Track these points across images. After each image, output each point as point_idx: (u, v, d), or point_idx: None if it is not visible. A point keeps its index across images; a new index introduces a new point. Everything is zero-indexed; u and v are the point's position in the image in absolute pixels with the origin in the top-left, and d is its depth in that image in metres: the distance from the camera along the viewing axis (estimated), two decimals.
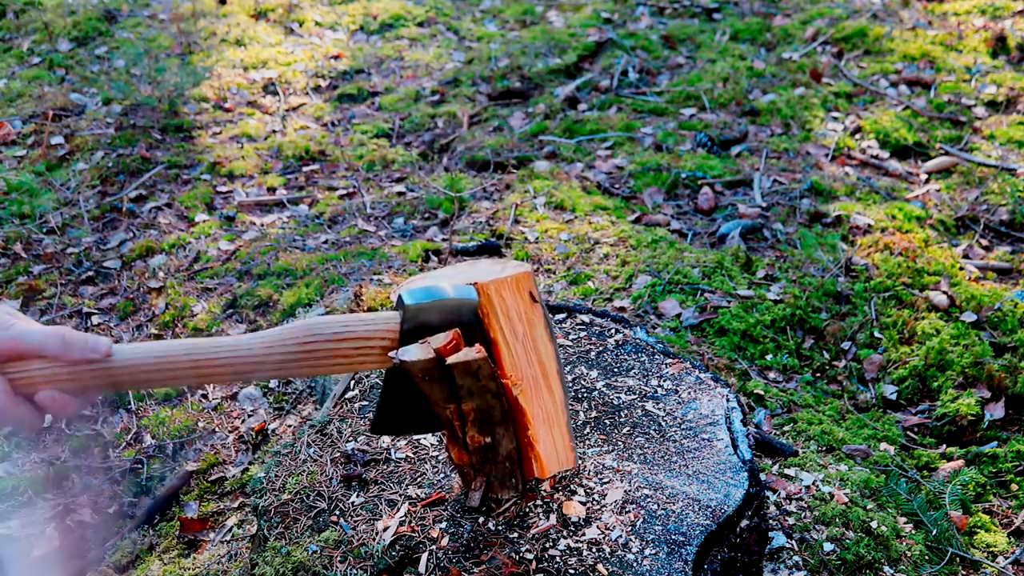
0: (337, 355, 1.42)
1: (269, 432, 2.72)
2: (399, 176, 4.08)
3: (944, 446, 2.65)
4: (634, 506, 1.67)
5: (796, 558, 2.08)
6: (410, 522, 1.67)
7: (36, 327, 1.29)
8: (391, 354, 1.47)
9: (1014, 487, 2.47)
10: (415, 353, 1.48)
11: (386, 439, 1.88)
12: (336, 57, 5.17)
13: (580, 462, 1.76)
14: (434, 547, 1.62)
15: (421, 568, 1.59)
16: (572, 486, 1.73)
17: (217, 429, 2.76)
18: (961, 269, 3.30)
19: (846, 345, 3.01)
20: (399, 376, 1.49)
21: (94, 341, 1.29)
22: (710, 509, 1.66)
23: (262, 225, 3.72)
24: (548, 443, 1.67)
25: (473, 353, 1.49)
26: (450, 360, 1.48)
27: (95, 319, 3.23)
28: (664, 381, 2.00)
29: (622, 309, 3.05)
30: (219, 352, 1.36)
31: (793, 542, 2.11)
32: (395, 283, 3.11)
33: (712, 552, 1.64)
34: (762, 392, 2.73)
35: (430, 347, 1.49)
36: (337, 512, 1.72)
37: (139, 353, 1.32)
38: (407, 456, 1.84)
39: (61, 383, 1.27)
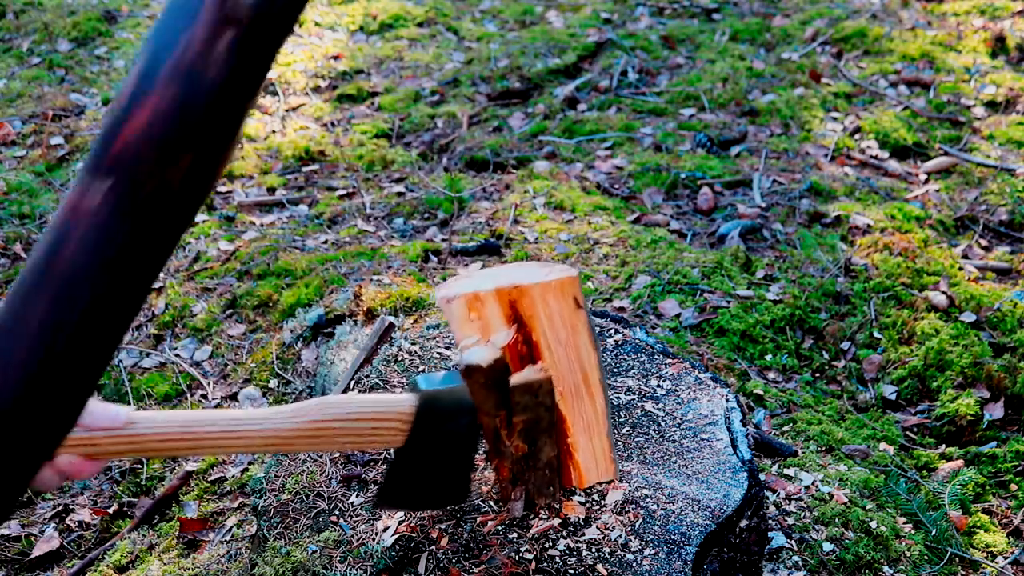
0: (351, 433, 1.44)
1: None
2: (399, 176, 4.08)
3: (943, 446, 2.65)
4: (633, 506, 1.67)
5: (795, 558, 2.08)
6: (410, 522, 1.68)
7: None
8: (457, 356, 1.48)
9: (1013, 487, 2.47)
10: (481, 354, 1.47)
11: None
12: (336, 57, 5.17)
13: (620, 474, 1.75)
14: (434, 547, 1.62)
15: (421, 568, 1.59)
16: (572, 487, 1.73)
17: None
18: (960, 269, 3.30)
19: (845, 345, 3.02)
20: (410, 452, 1.50)
21: (114, 411, 1.32)
22: (709, 509, 1.66)
23: (262, 225, 3.72)
24: (588, 452, 1.66)
25: (537, 373, 1.49)
26: (513, 381, 1.48)
27: None
28: (663, 381, 2.00)
29: (621, 309, 3.05)
30: (234, 425, 1.40)
31: (792, 542, 2.12)
32: (394, 283, 3.11)
33: (711, 552, 1.64)
34: (761, 392, 2.73)
35: (496, 346, 1.48)
36: (337, 512, 1.73)
37: (155, 423, 1.36)
38: None
39: (78, 449, 1.30)
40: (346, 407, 1.44)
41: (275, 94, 4.79)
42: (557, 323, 1.55)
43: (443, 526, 1.66)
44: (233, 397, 2.88)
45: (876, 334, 3.03)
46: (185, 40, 0.99)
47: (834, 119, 4.43)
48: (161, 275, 3.41)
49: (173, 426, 1.36)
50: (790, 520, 2.18)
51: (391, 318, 2.47)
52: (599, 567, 1.56)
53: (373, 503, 1.67)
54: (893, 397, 2.84)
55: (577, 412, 1.63)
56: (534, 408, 1.52)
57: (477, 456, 1.80)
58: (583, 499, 1.69)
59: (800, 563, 2.07)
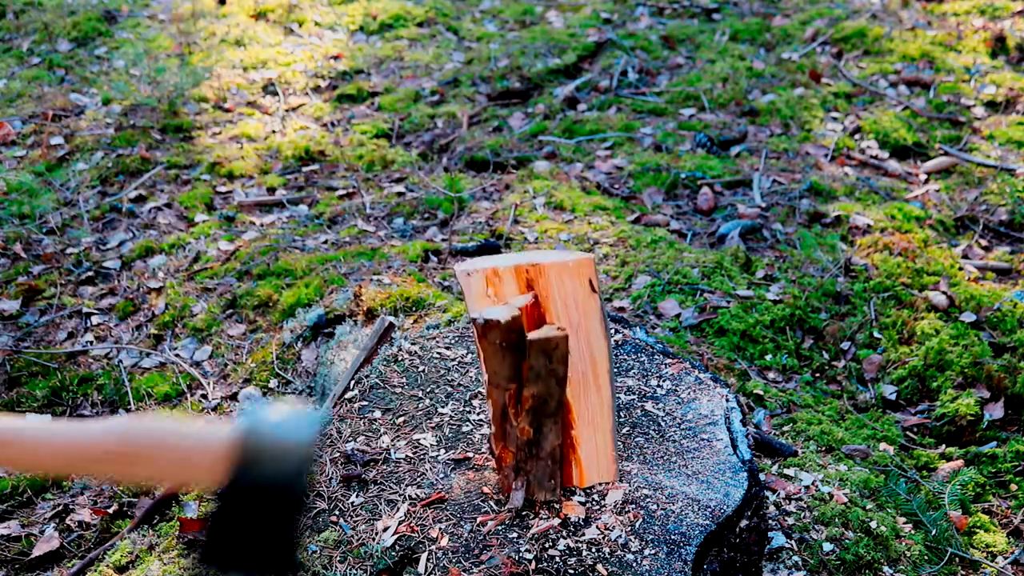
0: (161, 461, 1.28)
1: None
2: (399, 176, 4.08)
3: (943, 446, 2.65)
4: (634, 506, 1.67)
5: (795, 558, 2.08)
6: (410, 522, 1.68)
7: None
8: (474, 314, 1.45)
9: (1013, 487, 2.47)
10: (500, 312, 1.46)
11: (386, 439, 1.89)
12: (336, 57, 5.17)
13: (621, 476, 1.74)
14: (434, 547, 1.62)
15: (421, 568, 1.59)
16: (572, 486, 1.73)
17: None
18: (960, 269, 3.30)
19: (845, 345, 3.02)
20: (229, 499, 1.31)
21: None
22: (709, 509, 1.66)
23: (262, 225, 3.72)
24: (590, 448, 1.66)
25: (555, 331, 1.48)
26: (532, 336, 1.47)
27: (95, 319, 3.23)
28: (664, 381, 2.00)
29: (622, 309, 3.05)
30: (18, 435, 1.23)
31: (792, 542, 2.12)
32: (394, 283, 3.11)
33: (712, 552, 1.64)
34: (761, 392, 2.73)
35: (513, 306, 1.48)
36: (337, 512, 1.73)
37: None
38: (407, 456, 1.84)
39: None
40: (157, 432, 1.28)
41: (275, 94, 4.79)
42: (571, 305, 1.55)
43: (443, 526, 1.66)
44: (233, 397, 2.88)
45: (876, 334, 3.03)
46: None
47: (834, 119, 4.43)
48: (161, 275, 3.41)
49: None
50: (790, 520, 2.18)
51: (391, 318, 2.47)
52: (599, 567, 1.56)
53: (199, 559, 1.38)
54: (893, 397, 2.84)
55: (583, 403, 1.62)
56: (546, 378, 1.51)
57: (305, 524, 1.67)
58: (583, 499, 1.69)
59: (800, 563, 2.07)
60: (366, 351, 2.33)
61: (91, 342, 3.13)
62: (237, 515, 1.30)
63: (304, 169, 4.14)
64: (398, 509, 1.70)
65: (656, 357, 2.08)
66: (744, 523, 1.71)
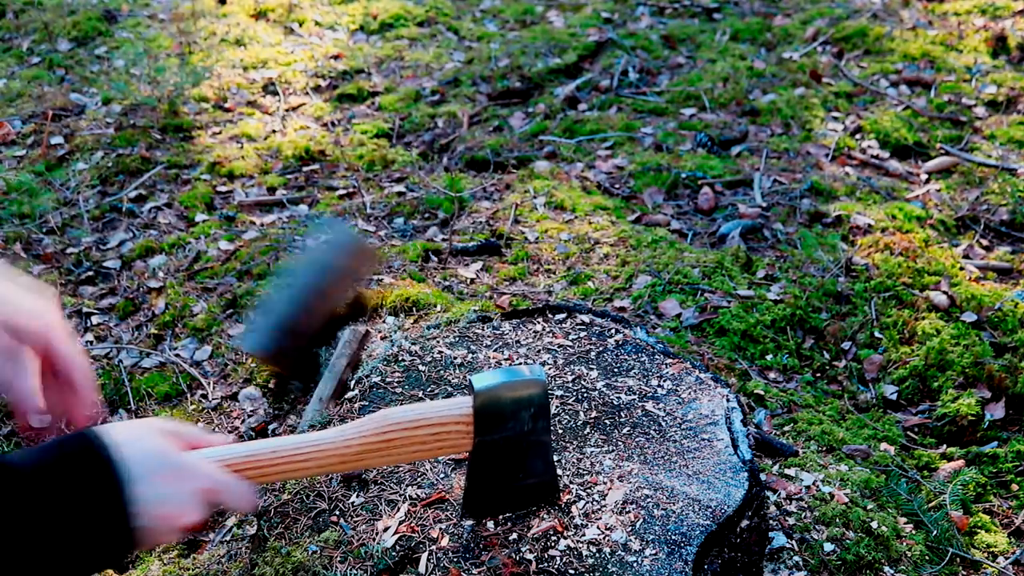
0: (414, 442, 1.45)
1: (269, 432, 2.72)
2: (399, 176, 4.08)
3: (944, 446, 2.65)
4: (634, 506, 1.67)
5: (796, 558, 2.07)
6: (410, 522, 1.67)
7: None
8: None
9: (1014, 487, 2.46)
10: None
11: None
12: (336, 57, 5.16)
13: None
14: (434, 547, 1.62)
15: (421, 568, 1.58)
16: (572, 486, 1.72)
17: (217, 429, 2.76)
18: (961, 269, 3.30)
19: (846, 345, 3.01)
20: (481, 454, 1.53)
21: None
22: (710, 509, 1.66)
23: (262, 225, 3.72)
24: None
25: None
26: None
27: (95, 319, 3.23)
28: (664, 381, 2.00)
29: (622, 309, 3.05)
30: (301, 449, 1.40)
31: (793, 542, 2.11)
32: (395, 284, 3.10)
33: (712, 552, 1.64)
34: (762, 392, 2.73)
35: None
36: (337, 512, 1.72)
37: (226, 453, 1.35)
38: None
39: None
40: (408, 416, 1.45)
41: (275, 94, 4.79)
42: None
43: (443, 526, 1.66)
44: (233, 397, 2.88)
45: (877, 334, 3.03)
46: None
47: (835, 119, 4.43)
48: (161, 275, 3.40)
49: (242, 455, 1.34)
50: (791, 520, 2.17)
51: (365, 327, 2.48)
52: (599, 567, 1.55)
53: (462, 514, 1.66)
54: (894, 397, 2.83)
55: None
56: None
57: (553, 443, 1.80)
58: (583, 499, 1.69)
59: (801, 563, 2.06)
60: (347, 358, 2.33)
61: (91, 342, 3.13)
62: (493, 465, 1.54)
63: (304, 169, 4.14)
64: (398, 509, 1.70)
65: (656, 357, 2.08)
66: (745, 523, 1.70)
